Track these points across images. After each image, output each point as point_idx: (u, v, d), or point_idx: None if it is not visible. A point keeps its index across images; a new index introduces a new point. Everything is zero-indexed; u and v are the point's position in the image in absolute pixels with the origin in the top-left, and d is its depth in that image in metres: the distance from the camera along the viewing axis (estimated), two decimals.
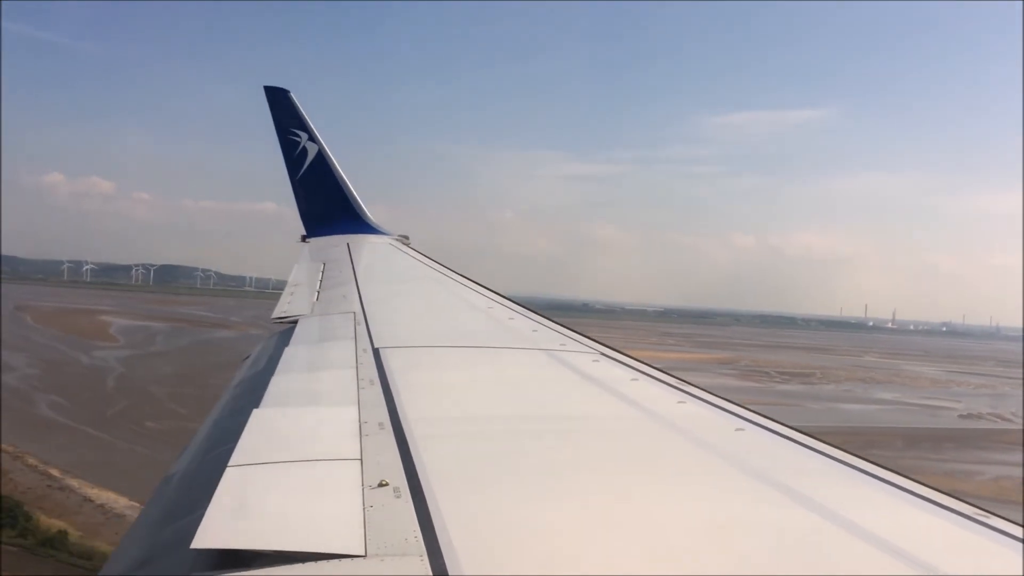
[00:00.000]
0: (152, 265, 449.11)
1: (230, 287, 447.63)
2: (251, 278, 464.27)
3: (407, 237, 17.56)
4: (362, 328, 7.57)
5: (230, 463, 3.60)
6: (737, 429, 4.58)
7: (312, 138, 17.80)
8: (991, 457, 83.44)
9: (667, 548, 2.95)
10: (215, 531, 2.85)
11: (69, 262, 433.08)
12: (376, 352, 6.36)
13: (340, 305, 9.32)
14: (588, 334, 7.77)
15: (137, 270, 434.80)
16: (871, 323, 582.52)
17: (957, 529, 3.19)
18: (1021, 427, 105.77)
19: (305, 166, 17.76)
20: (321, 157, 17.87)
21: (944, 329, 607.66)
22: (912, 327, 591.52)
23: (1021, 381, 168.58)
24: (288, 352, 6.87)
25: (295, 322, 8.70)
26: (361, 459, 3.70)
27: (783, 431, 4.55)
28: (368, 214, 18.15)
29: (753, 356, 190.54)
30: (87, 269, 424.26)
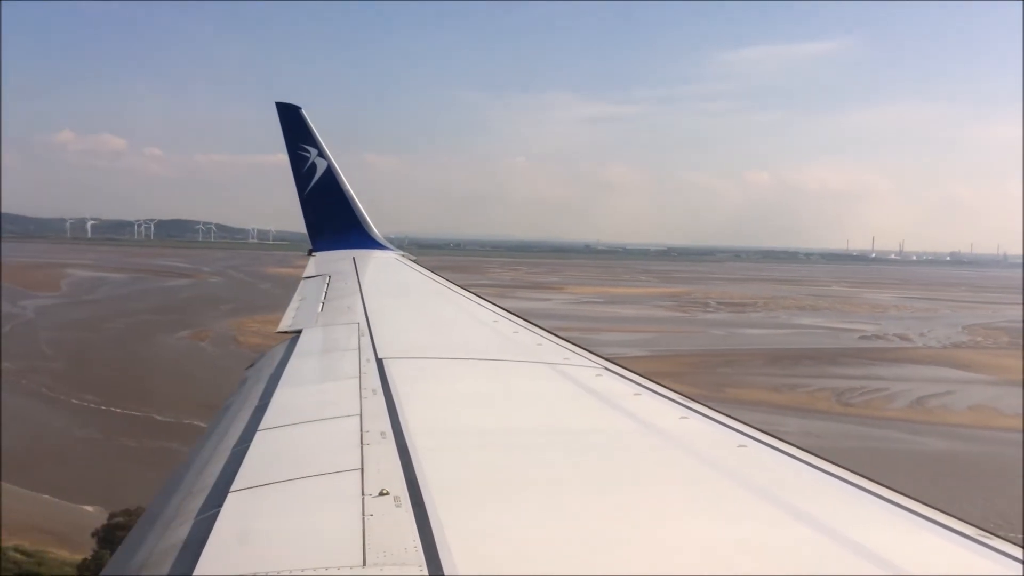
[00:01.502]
0: (153, 220, 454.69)
1: (236, 239, 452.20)
2: (253, 230, 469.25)
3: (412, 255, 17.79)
4: (366, 339, 7.47)
5: (232, 488, 3.56)
6: (739, 445, 4.48)
7: (321, 154, 17.91)
8: (836, 372, 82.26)
9: (667, 564, 2.87)
10: (217, 560, 2.81)
11: (72, 219, 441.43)
12: (380, 362, 6.31)
13: (344, 316, 9.24)
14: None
15: (140, 225, 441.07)
16: (874, 255, 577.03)
17: (958, 549, 3.16)
18: (913, 346, 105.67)
19: (314, 181, 17.93)
20: (330, 173, 17.96)
21: (948, 259, 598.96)
22: (915, 257, 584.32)
23: (966, 305, 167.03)
24: (293, 362, 6.90)
25: (300, 332, 8.69)
26: (362, 468, 3.65)
27: (786, 448, 4.45)
28: (375, 230, 18.30)
29: (712, 289, 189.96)
30: (89, 225, 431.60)
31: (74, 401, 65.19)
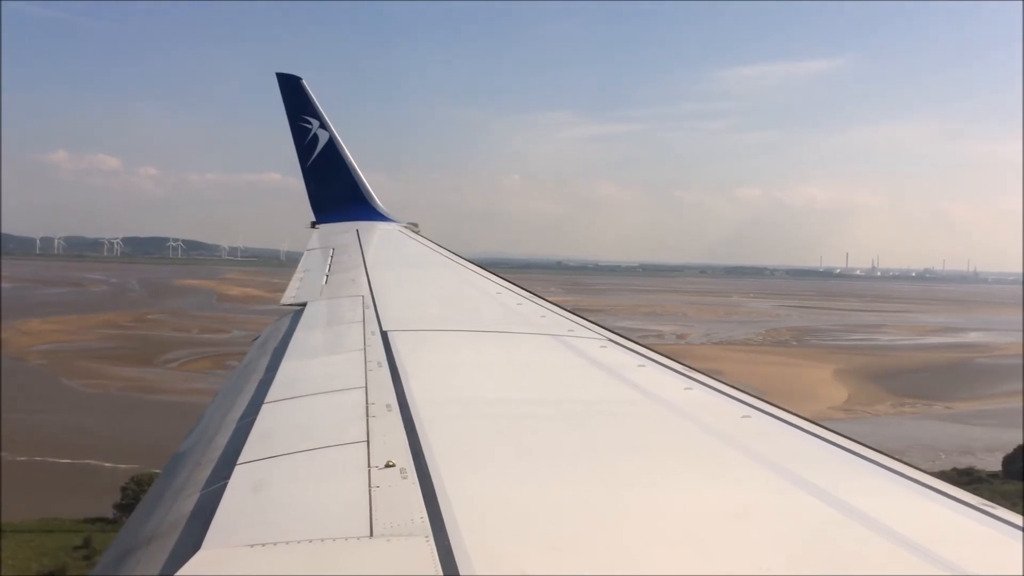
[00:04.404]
0: (119, 238, 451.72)
1: (211, 255, 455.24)
2: (225, 247, 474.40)
3: (416, 224, 17.37)
4: (370, 311, 7.31)
5: (239, 460, 3.48)
6: (743, 416, 4.39)
7: (323, 125, 17.42)
8: None
9: (671, 533, 2.83)
10: (226, 530, 2.75)
11: (41, 237, 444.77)
12: (384, 335, 6.15)
13: (349, 289, 9.07)
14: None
15: (109, 242, 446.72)
16: (838, 271, 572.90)
17: (960, 518, 3.10)
18: (674, 343, 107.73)
19: (316, 153, 17.45)
20: (332, 144, 17.50)
21: (913, 275, 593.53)
22: (879, 273, 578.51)
23: (825, 312, 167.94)
24: (298, 334, 6.70)
25: (304, 304, 8.46)
26: (368, 440, 3.56)
27: (789, 419, 4.35)
28: (378, 201, 17.83)
29: (600, 300, 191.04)
30: (58, 243, 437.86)
31: None
